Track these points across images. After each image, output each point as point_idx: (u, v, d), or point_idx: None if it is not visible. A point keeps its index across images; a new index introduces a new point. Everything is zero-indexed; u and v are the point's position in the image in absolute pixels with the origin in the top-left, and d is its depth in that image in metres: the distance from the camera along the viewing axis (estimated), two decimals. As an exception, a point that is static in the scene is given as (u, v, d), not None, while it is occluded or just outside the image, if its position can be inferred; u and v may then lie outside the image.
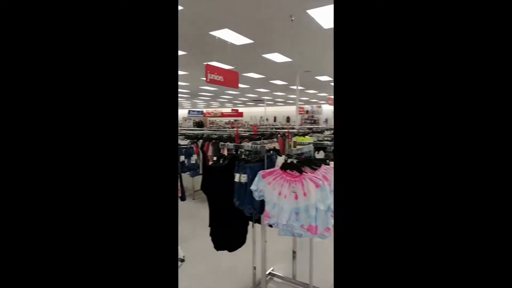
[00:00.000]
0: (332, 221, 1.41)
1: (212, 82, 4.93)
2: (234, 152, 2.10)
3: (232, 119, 18.50)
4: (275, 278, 2.22)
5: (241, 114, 16.76)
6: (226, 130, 7.37)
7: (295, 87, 9.11)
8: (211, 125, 17.92)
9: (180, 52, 6.22)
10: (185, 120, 15.57)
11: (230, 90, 12.32)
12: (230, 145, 2.12)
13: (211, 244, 1.90)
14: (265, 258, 1.90)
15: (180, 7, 3.79)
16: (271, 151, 1.90)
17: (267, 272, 2.18)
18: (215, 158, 4.20)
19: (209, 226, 1.91)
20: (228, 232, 1.89)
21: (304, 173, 1.49)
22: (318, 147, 2.45)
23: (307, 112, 19.00)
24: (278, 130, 6.66)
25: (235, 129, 7.27)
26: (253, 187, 1.59)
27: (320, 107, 19.00)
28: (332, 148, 2.38)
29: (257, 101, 17.87)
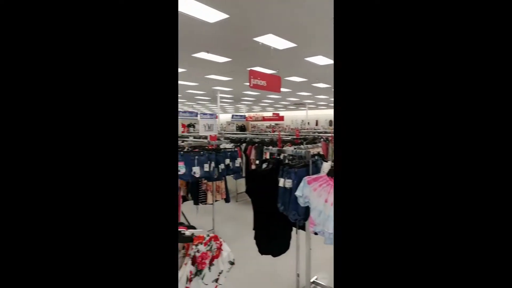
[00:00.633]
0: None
1: (255, 87, 5.01)
2: (277, 156, 2.10)
3: (273, 123, 18.54)
4: (318, 287, 2.16)
5: (282, 118, 16.69)
6: (267, 134, 7.40)
7: (339, 90, 8.79)
8: (253, 128, 18.16)
9: (224, 59, 6.44)
10: (229, 124, 16.01)
11: (272, 94, 12.39)
12: (274, 149, 2.12)
13: (254, 247, 1.91)
14: (309, 266, 1.86)
15: (226, 15, 3.93)
16: (316, 156, 1.86)
17: (311, 280, 2.13)
18: (257, 162, 4.24)
19: (253, 229, 1.93)
20: (272, 236, 1.89)
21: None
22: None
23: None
24: (320, 134, 6.47)
25: (276, 132, 7.26)
26: (298, 193, 1.57)
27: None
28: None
29: (299, 105, 17.66)
